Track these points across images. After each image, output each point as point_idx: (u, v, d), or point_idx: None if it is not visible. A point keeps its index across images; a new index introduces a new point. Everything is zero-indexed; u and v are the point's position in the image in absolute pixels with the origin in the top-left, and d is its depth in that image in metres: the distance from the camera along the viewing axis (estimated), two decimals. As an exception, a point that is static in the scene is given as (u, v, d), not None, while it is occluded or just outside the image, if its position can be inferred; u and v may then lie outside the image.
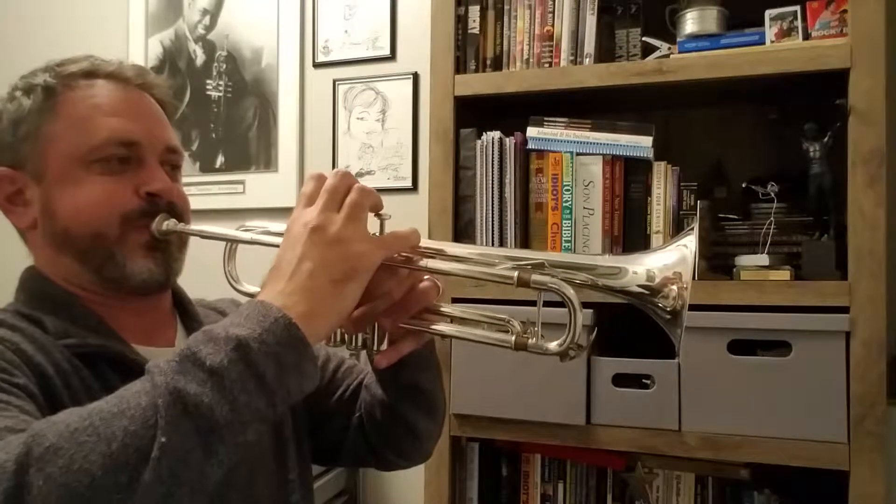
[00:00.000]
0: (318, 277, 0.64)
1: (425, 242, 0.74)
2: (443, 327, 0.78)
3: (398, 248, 0.72)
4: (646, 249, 0.72)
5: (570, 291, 0.66)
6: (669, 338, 0.71)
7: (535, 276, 0.67)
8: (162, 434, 0.52)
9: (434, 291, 0.78)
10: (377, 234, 0.72)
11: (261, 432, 0.59)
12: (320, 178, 0.70)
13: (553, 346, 0.69)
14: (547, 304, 0.69)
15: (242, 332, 0.58)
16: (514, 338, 0.71)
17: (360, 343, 0.79)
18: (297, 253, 0.65)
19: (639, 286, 0.69)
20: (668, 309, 0.68)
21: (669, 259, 0.70)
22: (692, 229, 0.72)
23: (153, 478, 0.51)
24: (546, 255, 0.72)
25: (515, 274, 0.67)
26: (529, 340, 0.70)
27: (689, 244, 0.70)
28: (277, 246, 0.69)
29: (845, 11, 1.27)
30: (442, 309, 0.79)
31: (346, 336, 0.79)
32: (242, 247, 0.83)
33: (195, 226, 0.83)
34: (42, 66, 0.83)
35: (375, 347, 0.79)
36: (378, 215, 0.72)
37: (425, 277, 0.77)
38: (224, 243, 0.85)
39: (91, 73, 0.83)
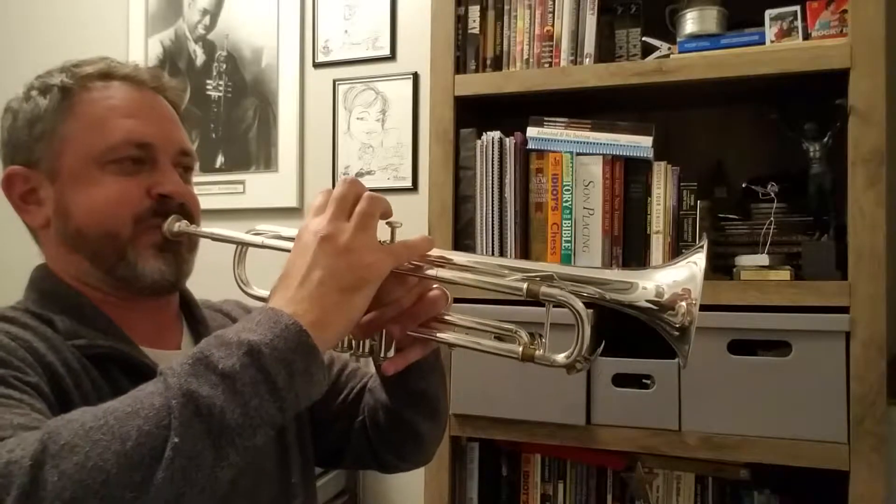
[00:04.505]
0: (328, 286, 0.64)
1: (435, 251, 0.74)
2: (450, 336, 0.78)
3: (408, 257, 0.72)
4: (655, 265, 0.72)
5: (578, 304, 0.66)
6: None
7: (545, 289, 0.67)
8: (175, 435, 0.53)
9: (443, 301, 0.78)
10: (388, 241, 0.72)
11: (269, 436, 0.60)
12: (330, 192, 0.70)
13: (560, 358, 0.69)
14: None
15: (254, 338, 0.59)
16: (521, 349, 0.72)
17: (367, 349, 0.80)
18: (307, 261, 0.65)
19: (647, 301, 0.69)
20: (677, 325, 0.69)
21: (679, 275, 0.70)
22: (702, 247, 0.71)
23: (165, 477, 0.52)
24: (555, 268, 0.72)
25: (525, 286, 0.68)
26: (537, 352, 0.71)
27: (698, 261, 0.70)
28: (288, 251, 0.69)
29: (845, 11, 1.27)
30: (450, 318, 0.79)
31: (353, 342, 0.79)
32: (253, 250, 0.83)
33: (206, 228, 0.83)
34: (58, 67, 0.83)
35: (382, 354, 0.80)
36: (389, 223, 0.72)
37: (434, 286, 0.77)
38: (234, 246, 0.85)
39: (107, 75, 0.83)
